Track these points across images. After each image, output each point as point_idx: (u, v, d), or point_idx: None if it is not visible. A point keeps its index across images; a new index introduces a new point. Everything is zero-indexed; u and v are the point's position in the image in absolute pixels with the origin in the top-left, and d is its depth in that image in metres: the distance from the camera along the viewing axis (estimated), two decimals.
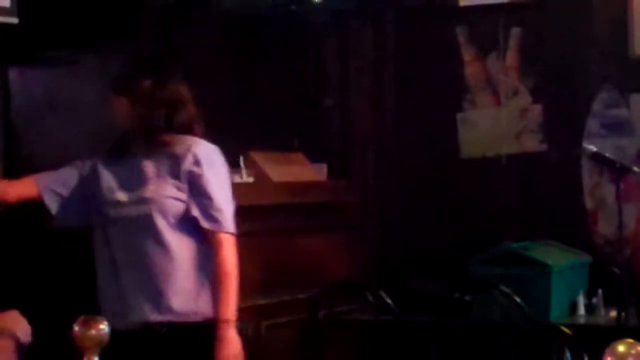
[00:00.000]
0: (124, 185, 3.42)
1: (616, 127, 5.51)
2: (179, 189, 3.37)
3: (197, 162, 3.38)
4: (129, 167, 3.45)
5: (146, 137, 3.42)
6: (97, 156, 3.56)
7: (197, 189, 3.36)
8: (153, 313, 3.32)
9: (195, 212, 3.36)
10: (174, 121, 3.44)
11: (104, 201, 3.43)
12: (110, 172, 3.47)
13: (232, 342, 3.31)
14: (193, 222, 3.38)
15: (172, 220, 3.35)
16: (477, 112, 5.89)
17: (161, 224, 3.34)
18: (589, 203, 5.57)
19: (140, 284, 3.35)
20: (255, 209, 5.06)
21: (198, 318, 3.38)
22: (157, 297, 3.33)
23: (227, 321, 3.32)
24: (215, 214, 3.37)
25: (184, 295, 3.37)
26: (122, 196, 3.41)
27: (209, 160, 3.42)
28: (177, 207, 3.36)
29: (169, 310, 3.32)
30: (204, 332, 3.39)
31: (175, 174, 3.37)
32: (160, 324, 3.32)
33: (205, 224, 3.37)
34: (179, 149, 3.40)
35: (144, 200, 3.37)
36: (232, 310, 3.34)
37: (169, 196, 3.36)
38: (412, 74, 6.02)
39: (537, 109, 5.75)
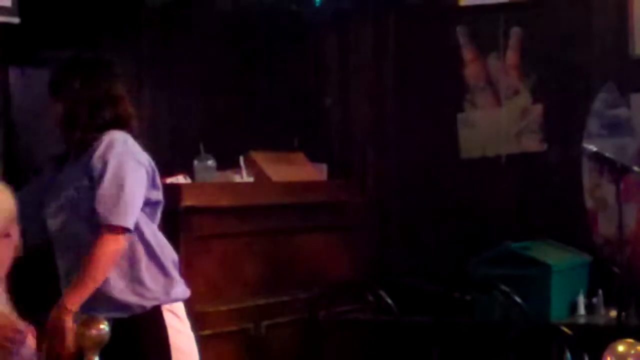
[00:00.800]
0: (53, 195, 3.39)
1: (616, 127, 5.51)
2: (90, 188, 3.29)
3: (96, 152, 3.28)
4: (60, 175, 3.42)
5: (72, 138, 3.38)
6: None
7: (94, 179, 3.30)
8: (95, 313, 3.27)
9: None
10: (101, 119, 3.36)
11: (45, 213, 3.40)
12: (50, 182, 3.45)
13: (56, 329, 3.16)
14: None
15: (90, 221, 3.27)
16: (477, 112, 5.89)
17: (81, 227, 3.29)
18: (589, 203, 5.56)
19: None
20: (255, 209, 5.06)
21: (140, 310, 3.34)
22: (94, 297, 3.25)
23: (65, 308, 3.16)
24: (97, 205, 3.23)
25: (122, 291, 3.32)
26: (52, 206, 3.38)
27: (108, 147, 3.29)
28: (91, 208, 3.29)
29: (109, 308, 3.26)
30: (150, 322, 3.36)
31: (88, 171, 3.31)
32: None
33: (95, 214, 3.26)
34: (97, 145, 3.32)
35: (62, 207, 3.33)
36: (76, 302, 3.17)
37: (83, 198, 3.30)
38: (412, 74, 6.02)
39: (537, 109, 5.75)
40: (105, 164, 3.27)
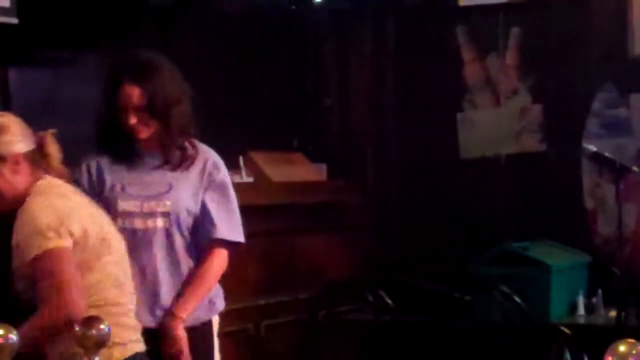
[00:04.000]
0: (141, 194, 3.29)
1: (616, 127, 5.51)
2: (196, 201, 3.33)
3: (211, 169, 3.36)
4: (143, 175, 3.31)
5: (174, 142, 3.31)
6: (95, 157, 3.37)
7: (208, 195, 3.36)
8: (149, 319, 3.26)
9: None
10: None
11: (108, 208, 3.24)
12: (117, 177, 3.32)
13: (181, 339, 3.24)
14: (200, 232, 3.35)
15: (186, 232, 3.32)
16: (477, 112, 5.89)
17: (177, 237, 3.30)
18: (589, 203, 5.57)
19: (145, 295, 3.25)
20: (254, 209, 5.06)
21: (196, 322, 3.36)
22: (155, 306, 3.28)
23: (177, 317, 3.25)
24: (217, 220, 3.36)
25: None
26: (131, 206, 3.29)
27: (221, 167, 3.43)
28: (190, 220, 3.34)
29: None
30: (201, 333, 3.38)
31: (200, 186, 3.33)
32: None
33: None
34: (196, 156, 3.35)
35: (162, 214, 3.28)
36: (188, 311, 3.27)
37: (186, 209, 3.31)
38: (412, 73, 6.02)
39: (537, 109, 5.75)
40: (224, 186, 3.36)
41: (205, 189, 3.32)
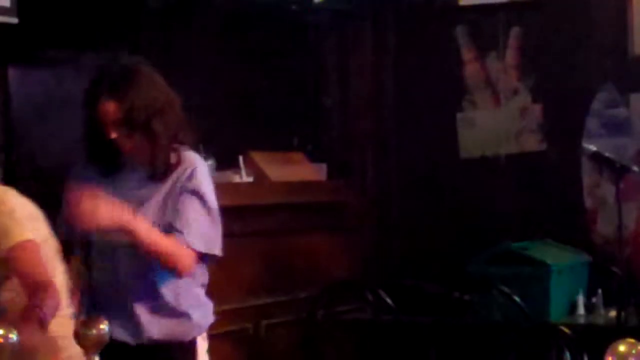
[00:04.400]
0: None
1: (615, 127, 5.51)
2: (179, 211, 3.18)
3: (191, 180, 3.18)
4: (126, 189, 3.18)
5: (158, 155, 3.16)
6: (82, 171, 3.27)
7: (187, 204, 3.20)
8: (127, 336, 3.17)
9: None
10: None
11: None
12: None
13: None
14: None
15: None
16: (477, 112, 5.89)
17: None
18: (588, 203, 5.57)
19: (117, 307, 3.14)
20: (254, 208, 5.06)
21: (174, 339, 3.23)
22: (132, 322, 3.17)
23: (132, 220, 3.00)
24: (192, 229, 3.16)
25: (162, 323, 3.21)
26: None
27: (204, 177, 3.23)
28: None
29: (147, 338, 3.20)
30: (181, 353, 3.25)
31: (177, 196, 3.18)
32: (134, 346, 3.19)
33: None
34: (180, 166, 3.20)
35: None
36: (141, 229, 3.01)
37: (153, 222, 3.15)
38: (412, 74, 6.02)
39: (537, 108, 5.75)
40: (195, 193, 3.18)
41: (177, 195, 3.16)
